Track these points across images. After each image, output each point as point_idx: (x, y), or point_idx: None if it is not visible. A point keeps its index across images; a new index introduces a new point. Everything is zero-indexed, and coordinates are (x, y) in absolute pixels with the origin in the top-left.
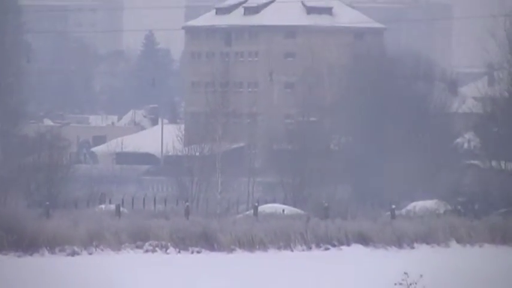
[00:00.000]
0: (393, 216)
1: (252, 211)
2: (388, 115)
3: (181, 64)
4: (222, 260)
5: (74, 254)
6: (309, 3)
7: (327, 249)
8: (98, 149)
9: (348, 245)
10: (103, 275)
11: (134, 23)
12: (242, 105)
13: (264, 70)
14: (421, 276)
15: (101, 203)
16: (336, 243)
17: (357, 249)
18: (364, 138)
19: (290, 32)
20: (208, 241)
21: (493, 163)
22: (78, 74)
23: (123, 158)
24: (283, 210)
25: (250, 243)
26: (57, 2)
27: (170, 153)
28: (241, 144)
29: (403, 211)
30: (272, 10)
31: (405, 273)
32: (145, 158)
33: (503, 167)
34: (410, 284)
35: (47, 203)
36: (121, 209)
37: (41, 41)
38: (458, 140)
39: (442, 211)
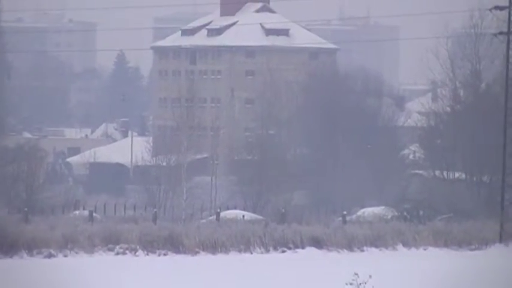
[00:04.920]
0: (344, 222)
1: (214, 217)
2: (340, 128)
3: (150, 81)
4: (186, 262)
5: (50, 256)
6: (268, 26)
7: (283, 251)
8: (72, 160)
9: (303, 247)
10: (77, 275)
11: (106, 43)
12: (206, 119)
13: (226, 87)
14: (370, 276)
15: (75, 209)
16: (291, 246)
17: (311, 251)
18: (318, 149)
19: (250, 52)
20: (174, 244)
21: (436, 173)
22: (55, 90)
23: (95, 167)
24: (243, 216)
25: (213, 246)
26: (37, 24)
27: (139, 164)
28: (205, 155)
29: (354, 217)
30: (233, 32)
31: (355, 273)
32: (116, 168)
33: (445, 176)
34: (360, 284)
35: (26, 209)
36: (94, 214)
37: (21, 60)
38: (405, 151)
39: (389, 217)
